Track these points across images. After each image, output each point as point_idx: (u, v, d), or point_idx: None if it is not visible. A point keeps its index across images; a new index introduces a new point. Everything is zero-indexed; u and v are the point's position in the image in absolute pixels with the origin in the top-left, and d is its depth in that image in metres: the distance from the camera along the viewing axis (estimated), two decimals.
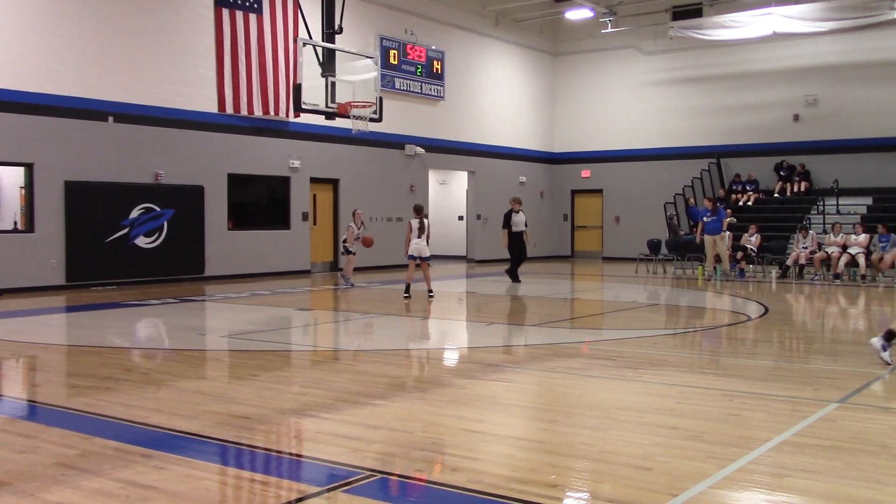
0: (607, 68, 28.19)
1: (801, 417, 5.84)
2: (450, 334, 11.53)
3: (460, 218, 27.25)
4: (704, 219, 19.45)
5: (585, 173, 28.76)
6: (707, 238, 19.32)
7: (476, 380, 7.45)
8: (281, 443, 5.55)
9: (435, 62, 24.10)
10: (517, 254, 18.49)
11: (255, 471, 4.89)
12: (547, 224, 28.99)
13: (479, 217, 26.14)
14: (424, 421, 5.88)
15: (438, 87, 24.28)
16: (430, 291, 15.02)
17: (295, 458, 5.16)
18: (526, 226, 18.46)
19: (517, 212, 18.36)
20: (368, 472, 4.64)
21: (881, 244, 18.54)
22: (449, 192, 27.93)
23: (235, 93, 18.60)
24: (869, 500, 4.19)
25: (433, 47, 24.04)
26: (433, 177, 26.15)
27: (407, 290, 14.76)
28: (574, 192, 29.28)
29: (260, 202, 20.38)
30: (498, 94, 27.01)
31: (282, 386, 7.30)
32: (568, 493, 4.41)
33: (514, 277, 18.38)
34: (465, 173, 26.27)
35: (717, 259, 19.49)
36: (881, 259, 18.29)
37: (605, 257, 28.05)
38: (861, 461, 4.85)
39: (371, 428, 5.66)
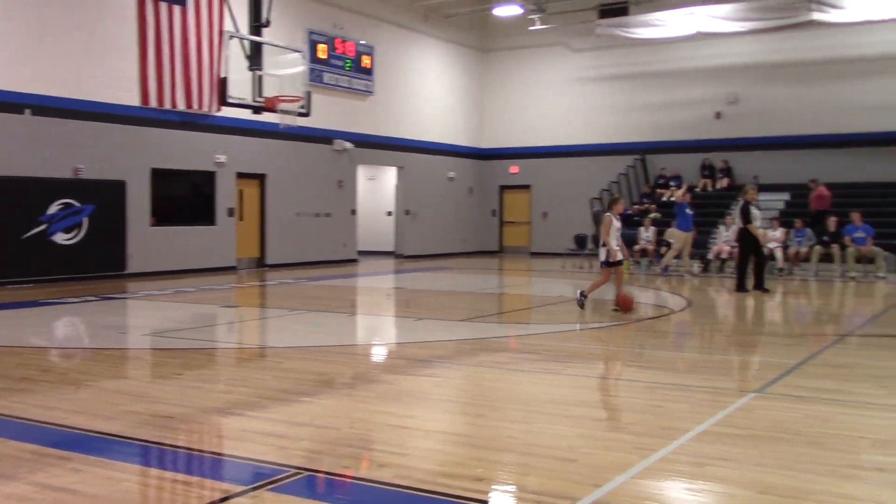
0: (536, 65, 28.44)
1: (720, 407, 5.98)
2: (378, 330, 11.50)
3: (389, 213, 27.19)
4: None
5: (514, 169, 28.98)
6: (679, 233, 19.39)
7: (404, 375, 7.45)
8: (205, 442, 5.46)
9: (364, 57, 23.98)
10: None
11: (177, 471, 4.80)
12: (475, 219, 29.13)
13: (407, 212, 26.13)
14: (352, 417, 5.86)
15: (368, 83, 24.16)
16: None
17: (219, 457, 5.09)
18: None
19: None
20: (295, 470, 4.60)
21: (797, 239, 19.14)
22: (378, 187, 27.84)
23: (159, 86, 18.19)
24: (785, 487, 4.32)
25: (362, 42, 23.91)
26: (362, 172, 26.04)
27: None
28: (502, 188, 29.48)
29: (184, 197, 19.98)
30: (427, 90, 27.03)
31: (206, 384, 7.19)
32: (494, 487, 4.44)
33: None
34: (395, 169, 26.22)
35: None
36: (797, 253, 18.87)
37: (533, 252, 28.32)
38: (777, 449, 5.00)
39: (298, 425, 5.61)
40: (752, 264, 15.00)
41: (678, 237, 19.23)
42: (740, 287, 14.85)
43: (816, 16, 21.86)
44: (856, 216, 18.69)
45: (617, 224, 11.75)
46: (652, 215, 22.28)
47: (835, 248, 18.48)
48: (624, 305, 11.68)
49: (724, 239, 19.86)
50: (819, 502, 4.11)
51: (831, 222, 18.88)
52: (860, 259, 18.41)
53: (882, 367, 7.94)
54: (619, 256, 11.81)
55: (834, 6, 21.75)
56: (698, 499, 4.24)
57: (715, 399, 6.36)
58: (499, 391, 6.95)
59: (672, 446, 5.01)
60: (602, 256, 11.96)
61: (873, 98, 23.22)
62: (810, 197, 21.00)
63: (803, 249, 18.84)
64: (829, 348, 8.83)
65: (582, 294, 12.10)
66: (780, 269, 18.78)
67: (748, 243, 14.87)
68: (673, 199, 25.04)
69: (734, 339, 10.07)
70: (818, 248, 18.70)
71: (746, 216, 14.80)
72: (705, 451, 4.96)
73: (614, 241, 11.71)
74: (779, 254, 18.80)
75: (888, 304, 13.58)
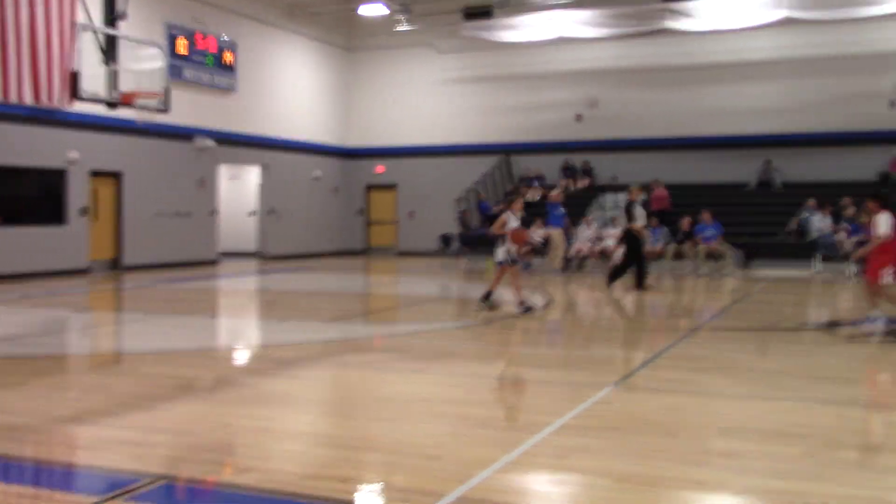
0: (402, 65, 28.51)
1: (580, 401, 6.16)
2: (241, 332, 11.25)
3: (252, 213, 26.64)
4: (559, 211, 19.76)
5: (380, 168, 28.96)
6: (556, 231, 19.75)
7: (267, 377, 7.31)
8: (54, 452, 5.19)
9: (226, 53, 23.40)
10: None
11: (24, 484, 4.54)
12: (341, 219, 28.94)
13: (271, 212, 25.68)
14: (213, 422, 5.70)
15: (230, 79, 23.60)
16: None
17: (70, 468, 4.84)
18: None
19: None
20: (152, 478, 4.43)
21: (653, 237, 19.96)
22: (241, 186, 27.21)
23: (4, 78, 17.14)
24: (641, 475, 4.48)
25: (224, 37, 23.32)
26: (224, 171, 25.41)
27: None
28: (369, 187, 29.42)
29: (33, 196, 18.89)
30: (292, 88, 26.64)
31: (56, 392, 6.84)
32: (360, 487, 4.41)
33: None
34: (258, 167, 25.71)
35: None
36: (652, 251, 19.68)
37: (400, 252, 28.39)
38: (633, 439, 5.19)
39: (156, 432, 5.41)
40: (616, 263, 15.47)
41: (554, 234, 19.77)
42: (639, 285, 15.20)
43: (670, 24, 22.88)
44: (706, 216, 19.66)
45: (514, 223, 11.81)
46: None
47: (687, 246, 19.39)
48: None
49: (585, 237, 20.49)
50: (672, 488, 4.29)
51: (685, 222, 19.79)
52: (710, 256, 19.39)
53: (730, 358, 8.37)
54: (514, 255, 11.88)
55: (686, 15, 22.81)
56: (560, 490, 4.35)
57: (575, 393, 6.55)
58: (365, 391, 6.92)
59: (534, 440, 5.11)
60: (501, 256, 11.86)
61: (723, 103, 24.49)
62: (650, 197, 21.99)
63: (658, 247, 19.67)
64: (681, 341, 9.24)
65: (520, 303, 11.83)
66: (616, 268, 19.52)
67: (633, 242, 15.30)
68: (535, 199, 25.64)
69: (594, 335, 10.39)
70: (672, 245, 19.57)
71: (630, 216, 15.25)
72: (566, 443, 5.09)
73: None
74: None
75: (735, 299, 14.33)
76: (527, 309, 11.58)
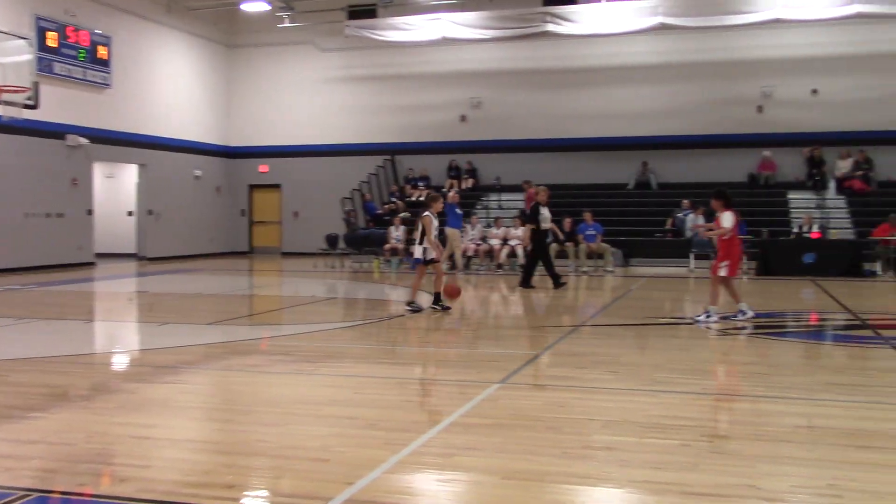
0: (285, 63, 28.11)
1: (467, 399, 6.21)
2: (118, 337, 10.84)
3: (130, 213, 25.76)
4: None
5: (263, 168, 28.49)
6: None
7: (147, 383, 7.08)
8: None
9: (100, 47, 22.52)
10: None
11: None
12: (224, 219, 28.32)
13: (150, 213, 24.89)
14: (89, 431, 5.47)
15: (105, 74, 22.73)
16: None
17: None
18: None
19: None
20: (23, 492, 4.22)
21: None
22: (118, 186, 26.27)
23: None
24: (526, 471, 4.56)
25: (98, 31, 22.44)
26: (99, 170, 24.47)
27: None
28: (252, 187, 28.90)
29: None
30: (171, 85, 25.89)
31: None
32: (245, 493, 4.33)
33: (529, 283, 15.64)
34: (136, 166, 24.87)
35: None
36: None
37: (284, 252, 28.00)
38: (519, 435, 5.27)
39: (27, 443, 5.16)
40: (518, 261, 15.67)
41: (452, 235, 19.79)
42: (525, 283, 15.41)
43: (551, 27, 23.38)
44: (587, 215, 20.18)
45: (435, 222, 11.81)
46: (402, 214, 22.77)
47: (570, 246, 19.84)
48: (452, 293, 11.84)
49: (470, 237, 20.70)
50: (556, 482, 4.38)
51: (567, 223, 20.24)
52: (591, 255, 19.91)
53: (611, 353, 8.62)
54: (433, 254, 11.88)
55: (566, 19, 23.36)
56: (447, 488, 4.38)
57: (462, 391, 6.60)
58: (249, 395, 6.79)
59: (422, 439, 5.13)
60: (418, 254, 11.87)
61: (602, 106, 25.19)
62: (524, 197, 22.43)
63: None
64: (564, 338, 9.45)
65: (409, 303, 11.91)
66: (522, 266, 19.85)
67: (537, 243, 15.52)
68: (420, 199, 25.72)
69: (480, 334, 10.50)
70: (555, 245, 19.95)
71: (535, 217, 15.46)
72: (453, 441, 5.13)
73: (432, 239, 11.77)
74: (520, 251, 19.88)
75: (616, 296, 14.76)
76: (416, 310, 11.64)
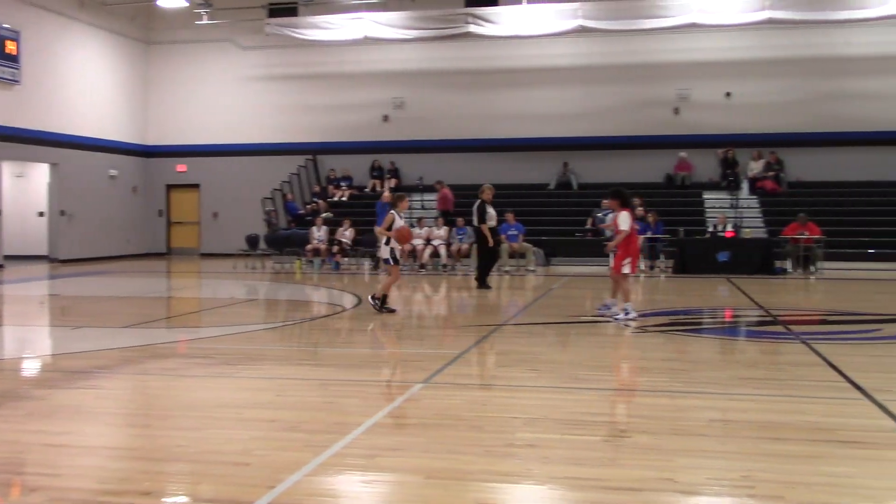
0: (204, 61, 27.61)
1: (390, 399, 6.20)
2: (28, 341, 10.47)
3: (41, 214, 24.94)
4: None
5: (181, 167, 27.92)
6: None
7: (59, 389, 6.86)
8: None
9: (8, 42, 21.74)
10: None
11: None
12: (141, 220, 27.67)
13: (63, 213, 24.13)
14: None
15: (13, 70, 21.95)
16: None
17: None
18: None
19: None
20: None
21: (458, 236, 20.44)
22: (27, 185, 25.41)
23: None
24: (449, 470, 4.57)
25: (6, 26, 21.66)
26: (8, 169, 23.62)
27: None
28: (169, 187, 28.30)
29: None
30: (85, 82, 25.15)
31: None
32: (163, 499, 4.23)
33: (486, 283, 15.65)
34: (47, 165, 24.09)
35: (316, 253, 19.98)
36: (459, 250, 20.16)
37: (204, 254, 27.50)
38: (443, 434, 5.28)
39: None
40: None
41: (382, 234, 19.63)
42: (482, 284, 15.41)
43: (473, 28, 23.51)
44: (509, 216, 20.34)
45: (400, 222, 11.72)
46: (324, 215, 22.60)
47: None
48: (402, 237, 11.83)
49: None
50: (479, 481, 4.39)
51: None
52: (513, 254, 20.08)
53: (532, 352, 8.70)
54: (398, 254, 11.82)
55: (488, 21, 23.52)
56: (370, 490, 4.36)
57: (385, 392, 6.59)
58: (167, 399, 6.64)
59: (345, 441, 5.09)
60: (385, 254, 11.75)
61: (524, 107, 25.45)
62: (437, 197, 22.56)
63: (465, 246, 20.14)
64: (487, 337, 9.50)
65: (374, 297, 11.76)
66: (444, 266, 19.94)
67: (484, 242, 15.50)
68: (343, 199, 25.61)
69: (404, 334, 10.48)
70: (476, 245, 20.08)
71: (482, 215, 15.44)
72: (376, 442, 5.10)
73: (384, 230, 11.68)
74: (443, 251, 19.94)
75: (537, 295, 14.91)
76: (386, 308, 11.62)
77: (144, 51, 27.87)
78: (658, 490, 4.24)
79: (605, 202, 21.70)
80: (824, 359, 7.84)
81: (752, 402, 6.25)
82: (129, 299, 14.69)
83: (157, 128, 28.07)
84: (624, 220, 10.80)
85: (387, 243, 11.75)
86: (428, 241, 20.54)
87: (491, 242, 15.56)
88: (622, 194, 11.20)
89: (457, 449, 4.96)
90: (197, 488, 4.35)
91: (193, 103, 27.67)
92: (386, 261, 11.93)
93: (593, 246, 21.42)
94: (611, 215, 21.05)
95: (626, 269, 10.87)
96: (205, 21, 25.06)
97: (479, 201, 15.63)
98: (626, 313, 10.75)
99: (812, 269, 18.94)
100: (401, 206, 12.03)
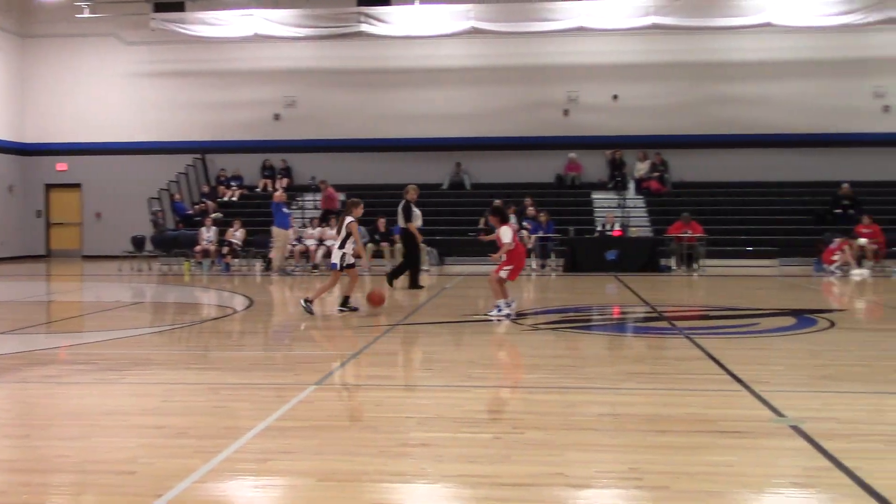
0: (86, 56, 26.61)
1: (282, 402, 6.11)
2: None
3: None
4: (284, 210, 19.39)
5: (62, 166, 26.85)
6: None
7: None
8: None
9: None
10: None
11: None
12: (18, 221, 26.47)
13: None
14: None
15: None
16: None
17: None
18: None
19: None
20: None
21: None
22: None
23: None
24: (343, 471, 4.53)
25: None
26: None
27: None
28: (49, 187, 27.16)
29: None
30: None
31: None
32: None
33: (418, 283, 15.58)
34: None
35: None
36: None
37: (86, 255, 26.51)
38: (336, 436, 5.24)
39: None
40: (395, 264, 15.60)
41: (279, 235, 19.33)
42: (413, 284, 15.26)
43: (365, 28, 23.44)
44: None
45: (358, 231, 11.56)
46: (213, 215, 22.12)
47: (385, 246, 19.94)
48: (376, 301, 11.74)
49: (309, 235, 20.55)
50: (373, 481, 4.38)
51: (381, 223, 20.34)
52: None
53: (426, 351, 8.74)
54: (352, 260, 11.68)
55: (380, 20, 23.48)
56: (261, 494, 4.29)
57: (277, 395, 6.48)
58: (48, 407, 6.36)
59: (235, 446, 4.99)
60: (336, 259, 11.51)
61: (416, 107, 25.57)
62: (321, 197, 22.53)
63: (358, 247, 20.01)
64: (381, 338, 9.48)
65: (307, 301, 11.57)
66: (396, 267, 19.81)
67: (410, 242, 15.37)
68: (234, 199, 25.13)
69: (296, 335, 10.36)
70: (371, 245, 20.00)
71: (408, 215, 15.30)
72: (268, 446, 5.02)
73: (350, 245, 11.53)
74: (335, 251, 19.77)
75: (431, 295, 14.97)
76: (350, 308, 11.68)
77: (21, 44, 26.67)
78: (549, 485, 4.31)
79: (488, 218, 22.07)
80: (706, 353, 8.14)
81: (639, 396, 6.44)
82: (5, 304, 14.02)
83: (36, 125, 26.90)
84: (506, 234, 10.99)
85: (340, 247, 11.66)
86: (321, 241, 20.35)
87: (420, 241, 15.75)
88: (501, 211, 11.46)
89: (350, 450, 4.93)
90: (79, 499, 4.19)
91: (75, 100, 26.64)
92: (333, 265, 11.85)
93: (486, 246, 21.67)
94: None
95: (504, 274, 11.03)
96: (86, 14, 24.16)
97: (403, 202, 15.65)
98: (499, 309, 10.93)
99: (695, 266, 19.66)
100: (356, 212, 11.96)
